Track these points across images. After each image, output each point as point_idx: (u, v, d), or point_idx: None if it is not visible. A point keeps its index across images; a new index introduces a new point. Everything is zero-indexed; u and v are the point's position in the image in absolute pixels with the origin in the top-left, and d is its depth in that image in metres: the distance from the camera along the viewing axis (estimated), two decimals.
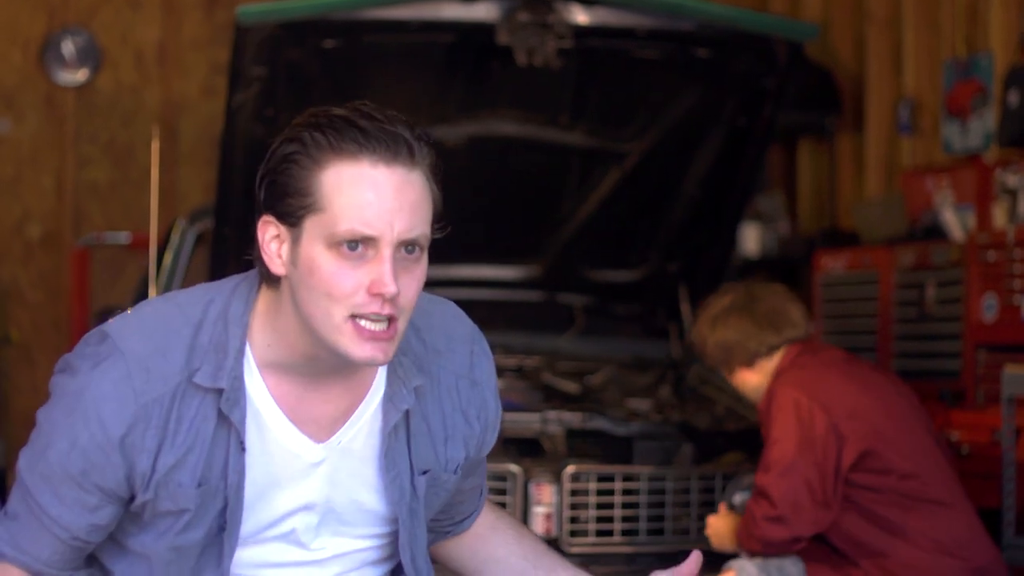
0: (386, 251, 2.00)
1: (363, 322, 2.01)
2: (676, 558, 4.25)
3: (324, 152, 2.01)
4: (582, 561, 4.23)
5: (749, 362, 4.03)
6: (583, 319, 5.35)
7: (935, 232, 5.62)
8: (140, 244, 6.18)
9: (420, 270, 2.06)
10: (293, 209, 2.02)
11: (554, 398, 4.65)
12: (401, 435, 2.18)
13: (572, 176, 5.06)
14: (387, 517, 2.21)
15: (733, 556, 3.91)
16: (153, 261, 4.64)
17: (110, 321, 2.13)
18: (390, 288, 1.99)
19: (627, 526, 4.30)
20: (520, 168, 4.99)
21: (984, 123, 5.84)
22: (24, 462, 2.12)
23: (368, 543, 2.23)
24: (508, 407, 4.29)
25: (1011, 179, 5.37)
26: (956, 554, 3.76)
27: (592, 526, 4.29)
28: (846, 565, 3.77)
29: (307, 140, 2.02)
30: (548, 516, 4.24)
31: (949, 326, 5.30)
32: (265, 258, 2.07)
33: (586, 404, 4.62)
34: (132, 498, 2.09)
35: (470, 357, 2.26)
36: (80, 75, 7.80)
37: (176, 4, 7.98)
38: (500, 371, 4.60)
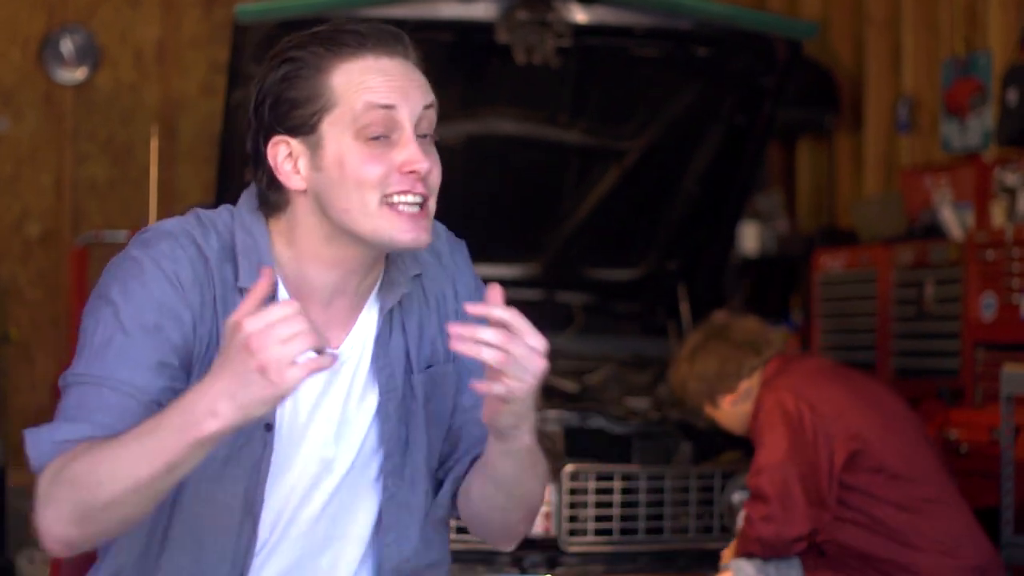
0: (407, 127, 2.07)
1: (399, 206, 2.05)
2: (675, 557, 4.28)
3: (324, 59, 2.07)
4: (581, 560, 4.23)
5: (732, 387, 4.03)
6: (582, 317, 5.35)
7: (934, 231, 5.62)
8: None
9: (436, 155, 2.12)
10: (306, 117, 2.06)
11: (553, 397, 4.65)
12: (396, 327, 2.19)
13: (571, 174, 5.07)
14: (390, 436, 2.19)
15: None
16: None
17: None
18: (422, 163, 2.05)
19: (626, 525, 4.30)
20: (519, 166, 5.00)
21: (983, 122, 5.84)
22: (84, 359, 2.03)
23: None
24: None
25: (1010, 178, 5.37)
26: (955, 554, 3.76)
27: (591, 525, 4.29)
28: (844, 567, 3.77)
29: (302, 55, 2.08)
30: (547, 515, 4.24)
31: (948, 325, 5.30)
32: (281, 178, 2.09)
33: (585, 403, 4.62)
34: (189, 371, 2.05)
35: (449, 246, 2.29)
36: (79, 73, 7.80)
37: (175, 3, 7.97)
38: None
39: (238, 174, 4.57)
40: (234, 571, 2.10)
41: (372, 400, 2.18)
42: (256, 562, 2.13)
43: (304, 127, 2.07)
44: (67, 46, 7.84)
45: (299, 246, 2.11)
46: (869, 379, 4.20)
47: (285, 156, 2.09)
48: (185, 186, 7.88)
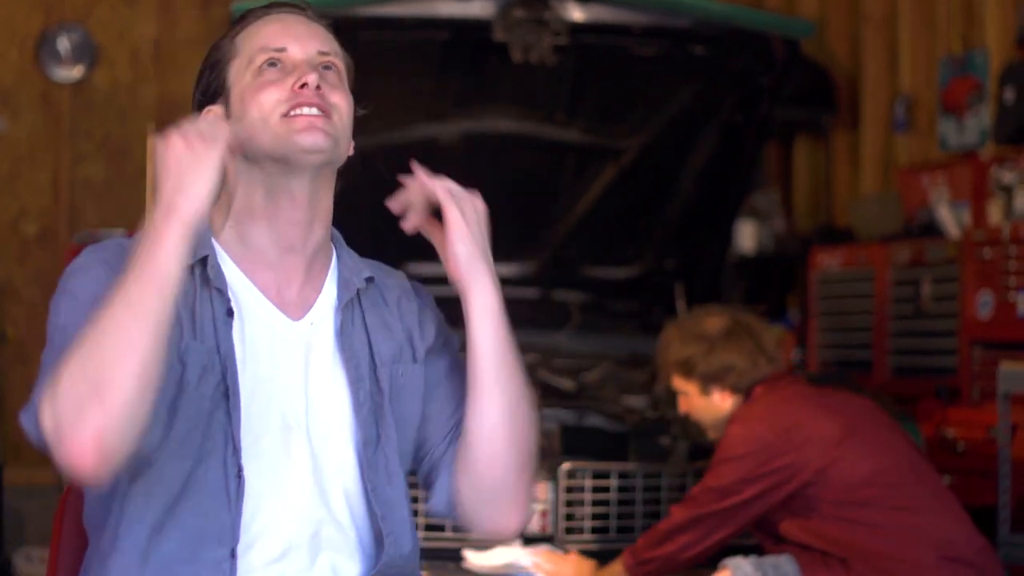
0: (299, 58, 2.16)
1: (295, 112, 2.11)
2: None
3: (234, 30, 2.24)
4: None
5: (736, 386, 3.99)
6: (579, 316, 5.35)
7: (931, 229, 5.62)
8: None
9: (344, 92, 2.18)
10: (217, 78, 2.20)
11: (550, 395, 4.65)
12: (358, 321, 2.23)
13: (568, 173, 5.07)
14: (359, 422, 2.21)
15: (728, 553, 3.91)
16: None
17: None
18: (311, 76, 2.12)
19: (623, 523, 4.30)
20: (516, 165, 4.99)
21: (980, 120, 5.84)
22: (50, 344, 2.07)
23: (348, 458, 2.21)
24: None
25: (1007, 176, 5.37)
26: (949, 548, 3.75)
27: (588, 523, 4.29)
28: (837, 564, 3.76)
29: (223, 35, 2.25)
30: (544, 513, 4.24)
31: (945, 323, 5.30)
32: None
33: (582, 401, 4.62)
34: None
35: (410, 282, 2.36)
36: (76, 72, 7.80)
37: (172, 1, 7.97)
38: None
39: None
40: (223, 548, 2.09)
41: (338, 384, 2.19)
42: (246, 539, 2.11)
43: (219, 89, 2.19)
44: (64, 45, 7.84)
45: (234, 209, 2.18)
46: (846, 394, 4.11)
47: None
48: None
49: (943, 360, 5.30)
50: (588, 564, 4.09)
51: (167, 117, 7.90)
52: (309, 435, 2.16)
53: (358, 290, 2.23)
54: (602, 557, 4.15)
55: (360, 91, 2.27)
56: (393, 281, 2.33)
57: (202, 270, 2.13)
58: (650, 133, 4.91)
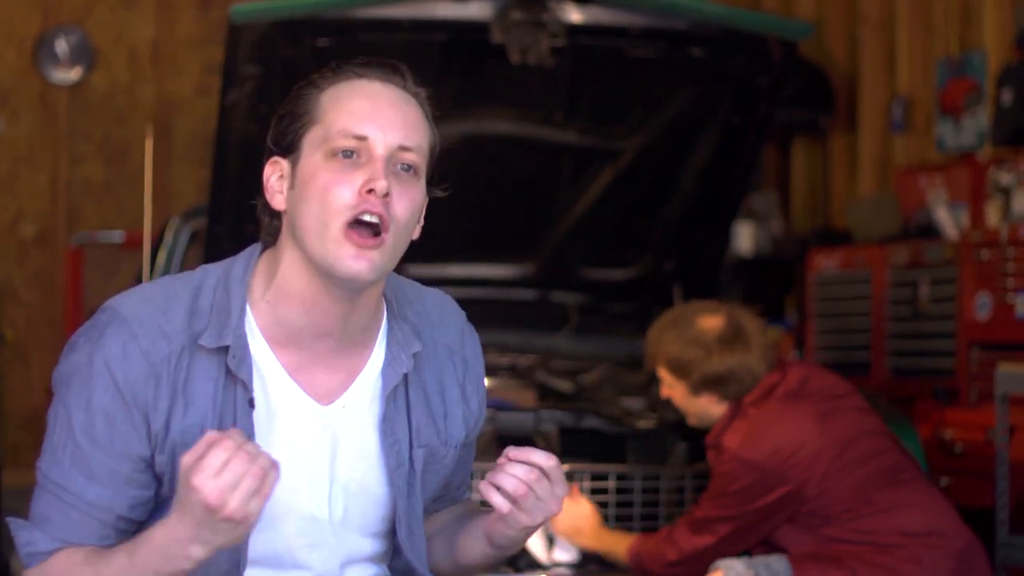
0: (378, 152, 2.05)
1: (356, 231, 2.03)
2: None
3: (325, 79, 2.11)
4: (575, 561, 4.23)
5: (726, 394, 3.98)
6: (577, 317, 5.34)
7: (929, 231, 5.62)
8: (134, 243, 6.17)
9: (416, 191, 2.09)
10: (292, 131, 2.09)
11: (548, 397, 4.65)
12: (400, 403, 2.20)
13: (566, 175, 5.06)
14: (388, 504, 2.21)
15: None
16: (147, 260, 4.64)
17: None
18: (381, 183, 2.03)
19: (621, 525, 4.30)
20: (514, 167, 4.99)
21: (977, 121, 5.84)
22: (46, 460, 2.09)
23: (370, 544, 2.23)
24: (501, 406, 4.31)
25: (1004, 177, 5.37)
26: (938, 541, 3.74)
27: None
28: (830, 564, 3.76)
29: (315, 78, 2.11)
30: None
31: (942, 324, 5.30)
32: (268, 196, 2.12)
33: (580, 403, 4.62)
34: (153, 462, 2.07)
35: (461, 335, 2.30)
36: (74, 74, 7.80)
37: (170, 3, 7.98)
38: (494, 370, 4.62)
39: (233, 175, 4.57)
40: None
41: (370, 467, 2.18)
42: None
43: (291, 144, 2.10)
44: (62, 46, 7.84)
45: (276, 282, 2.11)
46: (832, 399, 4.09)
47: (277, 177, 2.11)
48: (180, 187, 7.89)
49: (941, 361, 5.30)
50: (594, 518, 4.09)
51: (165, 118, 7.92)
52: (331, 521, 2.16)
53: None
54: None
55: None
56: (443, 342, 2.26)
57: (227, 355, 2.08)
58: (648, 135, 4.91)
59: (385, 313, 2.20)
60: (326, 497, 2.15)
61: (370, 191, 2.03)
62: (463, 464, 2.36)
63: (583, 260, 5.31)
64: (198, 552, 1.92)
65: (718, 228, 5.22)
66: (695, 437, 4.41)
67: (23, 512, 2.15)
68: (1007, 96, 5.54)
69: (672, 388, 4.05)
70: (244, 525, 1.90)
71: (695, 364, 3.96)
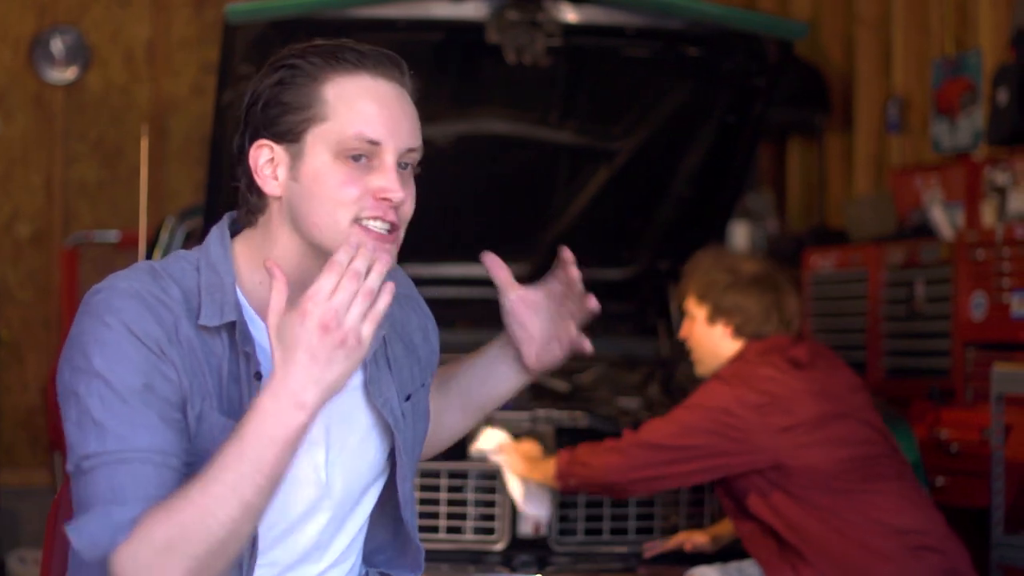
0: (389, 159, 2.08)
1: (368, 223, 2.06)
2: (665, 556, 4.27)
3: (321, 69, 2.09)
4: (571, 560, 4.23)
5: (744, 331, 3.99)
6: None
7: (924, 230, 5.62)
8: (129, 243, 6.17)
9: (413, 187, 2.14)
10: (293, 124, 2.08)
11: (543, 396, 4.65)
12: (382, 363, 2.23)
13: (562, 174, 5.07)
14: (380, 462, 2.24)
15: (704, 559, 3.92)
16: (142, 259, 4.63)
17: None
18: (397, 193, 2.07)
19: (616, 525, 4.30)
20: (509, 166, 4.99)
21: (973, 121, 5.84)
22: (90, 442, 1.96)
23: (364, 509, 2.26)
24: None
25: (1000, 177, 5.37)
26: (904, 537, 3.72)
27: (581, 525, 4.29)
28: (800, 563, 3.75)
29: (300, 63, 2.09)
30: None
31: (938, 324, 5.30)
32: (259, 182, 2.11)
33: (576, 402, 4.62)
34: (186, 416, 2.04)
35: (406, 278, 2.39)
36: (69, 73, 7.80)
37: (165, 3, 7.98)
38: None
39: (228, 175, 4.57)
40: None
41: (360, 427, 2.20)
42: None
43: (289, 134, 2.09)
44: (57, 46, 7.84)
45: (267, 264, 2.09)
46: (834, 376, 4.09)
47: (267, 160, 2.11)
48: (175, 186, 7.89)
49: (937, 361, 5.30)
50: (535, 449, 4.17)
51: (160, 118, 7.92)
52: (329, 487, 2.17)
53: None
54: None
55: None
56: (401, 293, 2.30)
57: (229, 332, 2.08)
58: (643, 134, 4.91)
59: None
60: (323, 464, 2.16)
61: (384, 199, 2.07)
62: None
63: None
64: (312, 397, 1.88)
65: (714, 228, 5.22)
66: None
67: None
68: (1003, 96, 5.54)
69: (692, 319, 4.06)
70: (358, 351, 1.89)
71: (720, 287, 3.99)
